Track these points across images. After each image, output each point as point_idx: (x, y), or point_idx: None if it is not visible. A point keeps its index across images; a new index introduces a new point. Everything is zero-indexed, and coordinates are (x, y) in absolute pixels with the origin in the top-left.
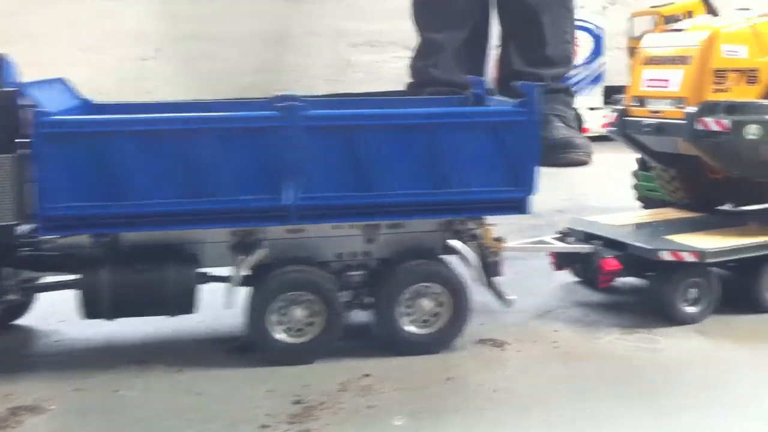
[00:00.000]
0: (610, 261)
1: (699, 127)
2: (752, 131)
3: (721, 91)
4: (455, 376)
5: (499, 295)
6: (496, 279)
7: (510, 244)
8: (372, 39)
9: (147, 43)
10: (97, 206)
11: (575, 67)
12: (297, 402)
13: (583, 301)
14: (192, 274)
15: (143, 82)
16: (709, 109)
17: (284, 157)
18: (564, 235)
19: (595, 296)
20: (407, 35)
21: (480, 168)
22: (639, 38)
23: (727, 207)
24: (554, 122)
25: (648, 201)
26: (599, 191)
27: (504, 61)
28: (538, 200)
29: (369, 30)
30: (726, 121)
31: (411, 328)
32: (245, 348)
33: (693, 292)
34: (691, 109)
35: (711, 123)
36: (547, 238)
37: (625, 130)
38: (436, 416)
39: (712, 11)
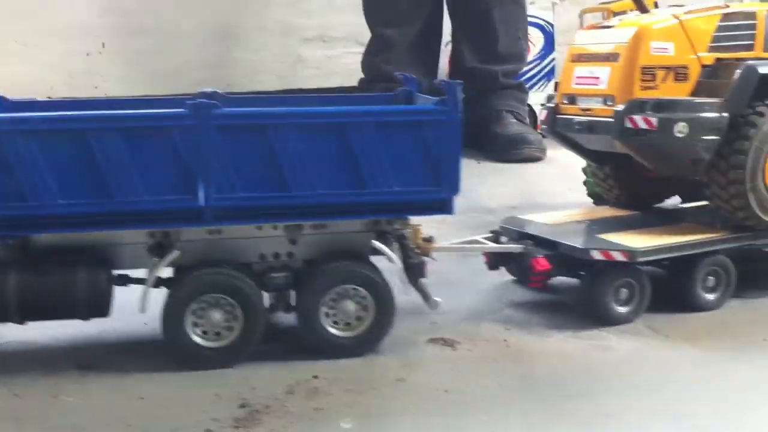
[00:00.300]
0: (541, 261)
1: (627, 125)
2: (680, 129)
3: (650, 88)
4: (406, 377)
5: (425, 296)
6: (423, 280)
7: (441, 244)
8: (323, 34)
9: (93, 37)
10: (2, 208)
11: (528, 63)
12: (243, 406)
13: (533, 300)
14: (105, 277)
15: (90, 78)
16: (637, 107)
17: (196, 157)
18: (497, 234)
19: (544, 295)
20: (359, 30)
21: (402, 168)
22: None
23: (671, 203)
24: (507, 118)
25: (599, 197)
26: (552, 187)
27: (457, 57)
28: (491, 196)
29: (320, 25)
30: (653, 119)
31: (334, 331)
32: None
33: (624, 293)
34: (620, 107)
35: (639, 121)
36: (479, 238)
37: (556, 128)
38: (384, 418)
39: (642, 8)
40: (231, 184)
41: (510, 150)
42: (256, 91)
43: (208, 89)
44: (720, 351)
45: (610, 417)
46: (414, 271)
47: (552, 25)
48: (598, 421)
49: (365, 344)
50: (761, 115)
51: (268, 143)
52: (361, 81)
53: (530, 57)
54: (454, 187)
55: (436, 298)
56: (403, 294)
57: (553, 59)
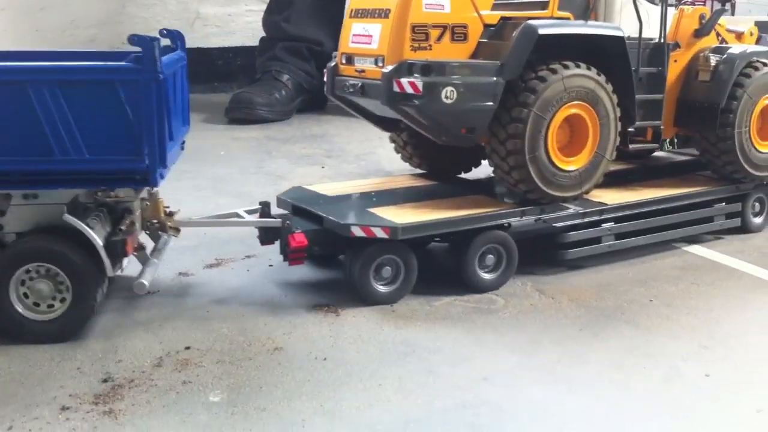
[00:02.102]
0: (297, 237)
1: (395, 89)
2: (447, 94)
3: (423, 49)
4: (284, 345)
5: (139, 274)
6: (154, 260)
7: (192, 218)
8: None
9: None
10: None
11: None
12: (105, 380)
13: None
14: None
15: None
16: (406, 69)
17: None
18: (265, 207)
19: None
20: None
21: (94, 134)
22: None
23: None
24: None
25: None
26: None
27: None
28: (390, 159)
29: None
30: (419, 83)
31: (26, 312)
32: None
33: (387, 271)
34: (388, 68)
35: (406, 85)
36: (240, 211)
37: (335, 91)
38: (256, 390)
39: None
40: None
41: None
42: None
43: None
44: (604, 311)
45: (487, 380)
46: (114, 250)
47: None
48: (473, 384)
49: (62, 329)
50: (542, 80)
51: None
52: (263, 40)
53: None
54: (157, 157)
55: (143, 281)
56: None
57: None
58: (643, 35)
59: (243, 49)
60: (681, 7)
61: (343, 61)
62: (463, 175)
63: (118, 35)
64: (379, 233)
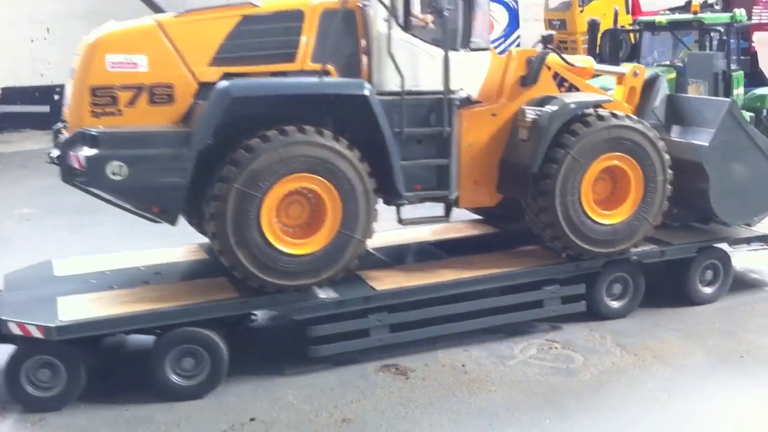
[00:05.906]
0: None
1: (70, 162)
2: (115, 170)
3: (108, 114)
4: (352, 416)
5: None
6: None
7: None
8: None
9: (37, 23)
10: None
11: (492, 42)
12: None
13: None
14: None
15: (36, 65)
16: (79, 140)
17: None
18: None
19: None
20: None
21: None
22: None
23: None
24: None
25: None
26: None
27: None
28: None
29: None
30: (83, 158)
31: None
32: None
33: (45, 374)
34: (64, 138)
35: (72, 158)
36: None
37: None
38: None
39: (155, 7)
40: None
41: None
42: None
43: None
44: (693, 371)
45: None
46: None
47: (517, 2)
48: None
49: None
50: (250, 150)
51: None
52: None
53: (495, 35)
54: None
55: None
56: None
57: (519, 36)
58: (427, 88)
59: None
60: (510, 49)
61: (64, 128)
62: None
63: None
64: (35, 332)
